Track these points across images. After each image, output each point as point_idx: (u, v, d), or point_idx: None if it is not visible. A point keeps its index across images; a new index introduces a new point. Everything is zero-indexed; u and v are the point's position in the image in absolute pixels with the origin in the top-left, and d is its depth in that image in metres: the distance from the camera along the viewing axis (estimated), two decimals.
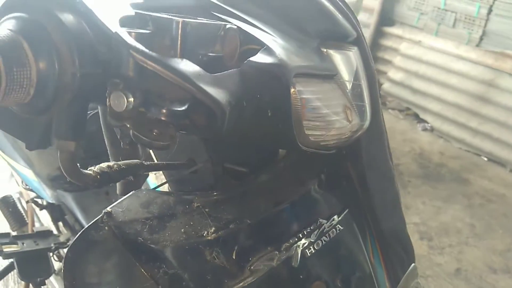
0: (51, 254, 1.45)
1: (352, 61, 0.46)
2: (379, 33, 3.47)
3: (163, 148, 0.28)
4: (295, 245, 0.49)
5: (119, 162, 0.38)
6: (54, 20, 0.25)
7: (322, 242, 0.52)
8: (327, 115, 0.39)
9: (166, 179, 0.58)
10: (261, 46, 0.37)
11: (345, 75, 0.45)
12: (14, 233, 1.45)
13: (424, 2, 3.17)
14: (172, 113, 0.27)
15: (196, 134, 0.45)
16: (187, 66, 0.27)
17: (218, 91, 0.28)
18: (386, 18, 3.43)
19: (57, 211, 1.35)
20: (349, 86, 0.46)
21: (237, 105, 0.30)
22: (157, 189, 0.55)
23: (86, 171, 0.36)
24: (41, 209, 1.39)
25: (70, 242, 1.42)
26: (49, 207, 1.36)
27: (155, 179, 0.62)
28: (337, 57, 0.44)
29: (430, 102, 3.11)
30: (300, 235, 0.51)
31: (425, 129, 3.09)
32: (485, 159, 2.76)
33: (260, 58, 0.33)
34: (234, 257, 0.47)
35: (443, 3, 3.01)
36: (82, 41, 0.26)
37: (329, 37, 0.45)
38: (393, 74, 3.35)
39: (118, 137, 0.31)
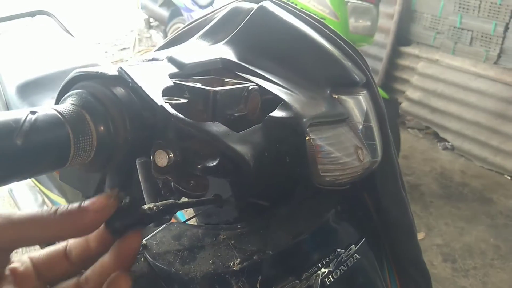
0: None
1: (362, 104, 0.51)
2: (396, 52, 3.50)
3: (198, 197, 0.33)
4: (315, 274, 0.53)
5: (157, 204, 0.43)
6: (109, 94, 0.30)
7: (341, 271, 0.55)
8: (339, 157, 0.44)
9: (194, 212, 0.62)
10: (277, 99, 0.42)
11: (356, 117, 0.50)
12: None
13: (440, 21, 3.20)
14: (206, 168, 0.32)
15: (225, 179, 0.50)
16: (217, 127, 0.33)
17: (243, 146, 0.33)
18: (402, 37, 3.46)
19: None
20: (360, 127, 0.50)
21: (259, 157, 0.35)
22: (186, 223, 0.60)
23: None
24: None
25: None
26: None
27: (183, 212, 0.66)
28: (348, 102, 0.49)
29: (449, 121, 3.10)
30: (320, 264, 0.54)
31: (445, 148, 3.07)
32: (508, 177, 2.71)
33: (278, 113, 0.38)
34: (258, 287, 0.50)
35: (459, 22, 3.03)
36: (132, 111, 0.31)
37: (340, 84, 0.49)
38: (411, 93, 3.36)
39: (160, 186, 0.36)
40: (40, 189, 1.39)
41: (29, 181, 1.49)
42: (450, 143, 3.08)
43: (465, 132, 2.98)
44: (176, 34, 0.54)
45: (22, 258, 0.31)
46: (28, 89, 1.41)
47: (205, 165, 0.32)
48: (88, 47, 1.72)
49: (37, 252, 0.33)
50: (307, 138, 0.39)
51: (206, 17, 0.55)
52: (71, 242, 0.33)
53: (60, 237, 0.29)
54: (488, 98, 2.87)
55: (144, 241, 0.54)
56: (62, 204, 1.08)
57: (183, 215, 0.67)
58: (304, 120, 0.39)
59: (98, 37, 5.10)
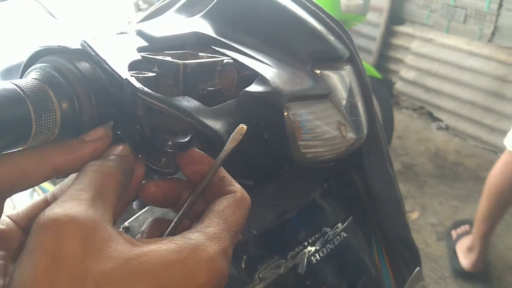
0: None
1: (346, 80, 0.49)
2: (389, 32, 3.46)
3: (169, 175, 0.32)
4: (301, 253, 0.53)
5: None
6: (73, 69, 0.29)
7: (327, 249, 0.55)
8: (322, 133, 0.42)
9: None
10: (255, 74, 0.40)
11: (340, 93, 0.48)
12: None
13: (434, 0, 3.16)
14: (176, 145, 0.31)
15: None
16: (188, 102, 0.31)
17: (216, 122, 0.32)
18: (396, 17, 3.42)
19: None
20: (343, 102, 0.49)
21: None
22: None
23: None
24: None
25: None
26: None
27: None
28: (331, 77, 0.47)
29: (443, 100, 3.09)
30: (306, 243, 0.54)
31: (439, 128, 3.07)
32: None
33: (255, 87, 0.37)
34: (243, 266, 0.50)
35: None
36: (97, 86, 0.29)
37: (322, 59, 0.48)
38: (405, 73, 3.34)
39: None
40: None
41: None
42: (444, 123, 3.08)
43: (459, 111, 2.98)
44: (153, 9, 0.52)
45: (1, 219, 0.30)
46: (12, 74, 1.38)
47: (175, 141, 0.31)
48: (71, 29, 1.69)
49: (15, 211, 0.32)
50: (285, 114, 0.38)
51: None
52: (52, 191, 0.33)
53: (59, 170, 0.29)
54: (482, 77, 2.86)
55: (126, 224, 0.54)
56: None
57: None
58: (283, 94, 0.38)
59: (84, 20, 5.01)
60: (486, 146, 2.83)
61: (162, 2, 0.53)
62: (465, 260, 1.81)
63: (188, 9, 0.47)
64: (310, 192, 0.57)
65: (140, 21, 0.51)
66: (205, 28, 0.42)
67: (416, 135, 3.00)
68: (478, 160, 2.73)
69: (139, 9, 5.17)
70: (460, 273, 1.82)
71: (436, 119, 3.15)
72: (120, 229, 0.52)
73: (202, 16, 0.44)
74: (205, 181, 0.30)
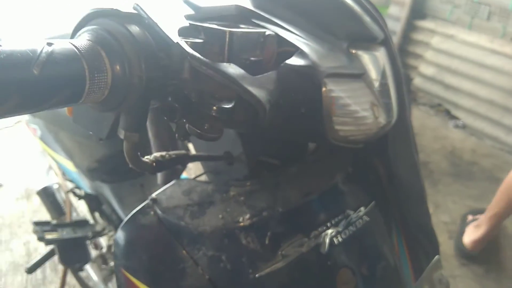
0: (88, 242, 1.54)
1: (379, 61, 0.49)
2: (410, 26, 3.40)
3: (212, 139, 0.33)
4: (324, 233, 0.53)
5: (169, 152, 0.43)
6: (125, 32, 0.30)
7: (349, 232, 0.55)
8: (355, 111, 0.42)
9: (203, 169, 0.62)
10: (295, 49, 0.40)
11: (373, 74, 0.48)
12: (54, 222, 1.55)
13: None
14: (221, 110, 0.31)
15: (239, 129, 0.50)
16: (234, 69, 0.32)
17: (259, 90, 0.33)
18: (418, 11, 3.36)
19: (94, 202, 1.43)
20: (376, 84, 0.49)
21: (275, 103, 0.34)
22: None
23: (144, 159, 0.41)
24: (79, 199, 1.47)
25: (106, 231, 1.50)
26: (87, 198, 1.44)
27: (190, 172, 0.67)
28: (365, 57, 0.47)
29: (462, 98, 3.04)
30: (328, 224, 0.54)
31: (456, 126, 3.03)
32: None
33: (295, 61, 0.37)
34: (266, 242, 0.51)
35: None
36: (147, 50, 0.30)
37: (358, 39, 0.48)
38: (424, 69, 3.29)
39: (174, 130, 0.36)
40: (48, 153, 1.40)
41: (38, 145, 1.50)
42: (461, 121, 3.04)
43: (477, 110, 2.93)
44: None
45: None
46: None
47: (220, 106, 0.31)
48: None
49: None
50: (323, 89, 0.38)
51: None
52: None
53: None
54: (503, 76, 2.80)
55: (154, 195, 0.55)
56: (70, 167, 1.09)
57: (186, 176, 0.67)
58: (321, 70, 0.38)
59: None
60: (503, 146, 2.79)
61: None
62: (468, 238, 1.82)
63: None
64: (335, 175, 0.58)
65: None
66: (246, 1, 0.43)
67: (432, 132, 2.97)
68: (494, 160, 2.70)
69: None
70: (461, 252, 1.84)
71: (453, 117, 3.11)
72: (148, 201, 0.54)
73: None
74: None
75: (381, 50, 0.50)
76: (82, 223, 1.42)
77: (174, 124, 0.36)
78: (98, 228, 1.44)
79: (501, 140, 2.80)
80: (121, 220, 1.29)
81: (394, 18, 3.38)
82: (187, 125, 0.32)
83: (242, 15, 0.41)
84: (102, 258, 1.47)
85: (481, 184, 2.48)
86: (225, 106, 0.32)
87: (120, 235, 0.53)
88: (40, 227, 1.31)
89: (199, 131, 0.32)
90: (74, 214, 1.57)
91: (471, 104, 2.98)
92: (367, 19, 0.49)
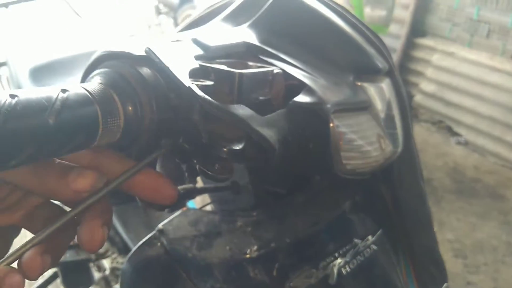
0: (91, 264, 1.53)
1: (385, 93, 0.50)
2: (410, 44, 3.44)
3: (222, 181, 0.33)
4: (332, 264, 0.53)
5: (178, 187, 0.43)
6: (137, 75, 0.30)
7: (357, 261, 0.55)
8: (362, 145, 0.43)
9: (210, 199, 0.62)
10: (301, 83, 0.41)
11: (379, 106, 0.49)
12: None
13: (456, 13, 3.13)
14: (232, 152, 0.32)
15: (249, 165, 0.50)
16: (243, 110, 0.32)
17: (268, 130, 0.33)
18: (417, 29, 3.40)
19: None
20: (382, 115, 0.49)
21: (283, 141, 0.34)
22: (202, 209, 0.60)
23: None
24: None
25: (110, 253, 1.49)
26: None
27: (196, 200, 0.67)
28: (370, 89, 0.48)
29: (463, 115, 3.06)
30: (336, 254, 0.54)
31: (458, 143, 3.03)
32: None
33: (302, 98, 0.38)
34: (274, 274, 0.50)
35: (476, 14, 2.96)
36: (158, 92, 0.31)
37: (363, 71, 0.48)
38: (425, 86, 3.31)
39: (184, 169, 0.36)
40: None
41: None
42: (463, 138, 3.04)
43: (479, 127, 2.94)
44: (197, 16, 0.54)
45: None
46: (41, 73, 1.42)
47: (231, 148, 0.32)
48: (98, 31, 1.73)
49: None
50: (331, 125, 0.39)
51: (226, 0, 0.54)
52: None
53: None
54: (504, 93, 2.82)
55: (160, 226, 0.55)
56: None
57: (193, 203, 0.67)
58: (328, 106, 0.38)
59: (107, 22, 5.11)
60: (505, 163, 2.78)
61: (205, 10, 0.54)
62: None
63: (234, 19, 0.48)
64: (342, 203, 0.58)
65: (184, 29, 0.52)
66: (252, 37, 0.43)
67: (434, 149, 2.97)
68: (497, 177, 2.69)
69: (159, 12, 5.25)
70: None
71: (455, 134, 3.11)
72: (155, 231, 0.53)
73: (249, 25, 0.45)
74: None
75: (386, 81, 0.50)
76: None
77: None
78: (102, 250, 1.43)
79: (503, 156, 2.79)
80: (124, 243, 1.29)
81: (394, 36, 3.41)
82: (197, 166, 0.32)
83: (249, 51, 0.41)
84: (105, 281, 1.46)
85: (485, 201, 2.47)
86: (235, 148, 0.32)
87: (127, 267, 0.53)
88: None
89: (209, 172, 0.32)
90: None
91: (473, 120, 2.99)
92: (371, 50, 0.50)
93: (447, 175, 2.69)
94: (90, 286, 1.47)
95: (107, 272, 1.48)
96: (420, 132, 3.17)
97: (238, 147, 0.32)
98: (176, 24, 3.88)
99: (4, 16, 1.82)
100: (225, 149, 0.32)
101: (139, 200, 0.34)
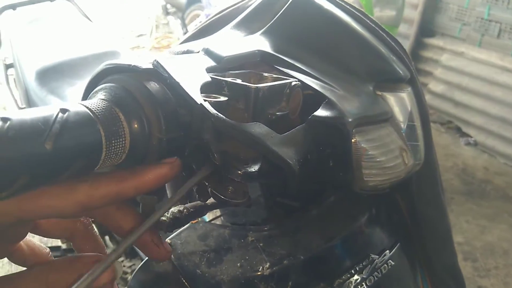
0: None
1: (406, 103, 0.47)
2: (419, 44, 3.39)
3: (237, 205, 0.30)
4: (348, 281, 0.50)
5: (187, 206, 0.41)
6: (143, 90, 0.27)
7: (374, 278, 0.52)
8: (384, 161, 0.40)
9: (220, 211, 0.60)
10: (318, 93, 0.38)
11: (400, 116, 0.46)
12: (64, 246, 1.53)
13: (467, 12, 3.08)
14: (247, 174, 0.29)
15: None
16: (260, 129, 0.29)
17: (288, 150, 0.30)
18: (427, 28, 3.36)
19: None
20: (403, 127, 0.46)
21: (304, 161, 0.32)
22: (211, 222, 0.58)
23: (162, 218, 0.39)
24: None
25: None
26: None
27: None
28: (391, 99, 0.45)
29: (473, 116, 3.01)
30: (353, 271, 0.51)
31: (468, 144, 2.99)
32: None
33: (323, 112, 0.35)
34: None
35: (487, 13, 2.91)
36: (167, 109, 0.28)
37: (384, 80, 0.46)
38: (434, 86, 3.26)
39: (194, 190, 0.34)
40: None
41: None
42: (473, 139, 2.99)
43: (489, 128, 2.89)
44: (207, 22, 0.51)
45: None
46: (47, 75, 1.40)
47: (247, 171, 0.29)
48: (106, 33, 1.70)
49: None
50: (353, 140, 0.36)
51: (238, 5, 0.51)
52: None
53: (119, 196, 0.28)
54: None
55: (168, 240, 0.52)
56: None
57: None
58: (350, 120, 0.35)
59: (115, 23, 5.09)
60: None
61: (215, 15, 0.52)
62: None
63: (247, 26, 0.45)
64: (358, 217, 0.55)
65: (194, 35, 0.50)
66: (266, 45, 0.41)
67: (443, 150, 2.93)
68: (507, 178, 2.64)
69: (167, 12, 5.24)
70: None
71: (464, 134, 3.07)
72: None
73: (263, 33, 0.43)
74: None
75: (408, 90, 0.48)
76: None
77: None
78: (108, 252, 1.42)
79: None
80: (131, 246, 1.26)
81: (403, 36, 3.37)
82: (209, 188, 0.30)
83: (264, 61, 0.39)
84: None
85: (495, 203, 2.42)
86: (251, 170, 0.29)
87: (133, 283, 0.51)
88: (51, 253, 1.29)
89: (222, 197, 0.30)
90: None
91: (482, 121, 2.94)
92: (392, 57, 0.47)
93: (457, 176, 2.64)
94: None
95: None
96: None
97: (253, 169, 0.29)
98: (183, 24, 3.85)
99: (12, 17, 1.81)
100: (239, 172, 0.29)
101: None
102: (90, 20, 1.82)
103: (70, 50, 1.49)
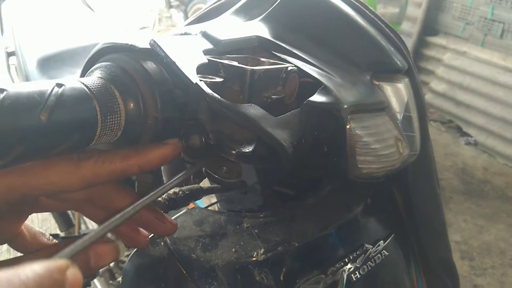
0: None
1: (403, 93, 0.47)
2: (422, 42, 3.39)
3: (231, 185, 0.31)
4: (341, 269, 0.50)
5: (182, 188, 0.41)
6: (140, 70, 0.28)
7: (368, 267, 0.52)
8: (379, 149, 0.40)
9: (216, 198, 0.60)
10: (316, 81, 0.39)
11: (396, 106, 0.46)
12: (62, 234, 1.54)
13: (470, 12, 3.08)
14: (241, 154, 0.29)
15: (258, 166, 0.48)
16: (255, 110, 0.30)
17: (282, 133, 0.31)
18: (430, 27, 3.35)
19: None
20: (399, 117, 0.47)
21: (297, 144, 0.32)
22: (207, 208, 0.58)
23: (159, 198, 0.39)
24: None
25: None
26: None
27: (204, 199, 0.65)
28: (388, 89, 0.45)
29: (474, 115, 3.01)
30: (346, 259, 0.51)
31: (468, 143, 2.99)
32: None
33: (318, 98, 0.35)
34: (281, 279, 0.48)
35: (490, 13, 2.91)
36: (163, 88, 0.28)
37: (381, 70, 0.46)
38: (436, 85, 3.26)
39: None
40: None
41: None
42: (473, 138, 2.99)
43: (489, 128, 2.89)
44: (207, 9, 0.51)
45: None
46: (48, 63, 1.40)
47: (241, 151, 0.29)
48: (108, 23, 1.70)
49: None
50: (347, 127, 0.36)
51: None
52: None
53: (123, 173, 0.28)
54: None
55: None
56: None
57: (201, 201, 0.65)
58: (345, 106, 0.36)
59: (118, 15, 5.09)
60: None
61: (215, 3, 0.52)
62: None
63: (246, 12, 0.46)
64: (353, 207, 0.55)
65: (193, 21, 0.50)
66: (265, 32, 0.41)
67: (443, 149, 2.93)
68: (507, 179, 2.65)
69: (170, 6, 5.23)
70: None
71: (464, 134, 3.07)
72: None
73: (262, 19, 0.43)
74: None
75: (405, 81, 0.48)
76: None
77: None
78: None
79: None
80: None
81: (406, 34, 3.36)
82: (203, 168, 0.30)
83: (261, 47, 0.39)
84: (110, 273, 1.45)
85: (493, 203, 2.43)
86: (245, 151, 0.30)
87: (129, 266, 0.51)
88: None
89: (216, 176, 0.30)
90: (83, 227, 1.55)
91: (483, 121, 2.94)
92: (390, 48, 0.47)
93: (456, 176, 2.65)
94: (94, 278, 1.47)
95: (112, 264, 1.48)
96: (430, 131, 3.12)
97: (248, 149, 0.30)
98: (186, 18, 3.85)
99: (14, 6, 1.81)
100: (233, 152, 0.29)
101: None
102: (92, 10, 1.82)
103: (71, 39, 1.49)
